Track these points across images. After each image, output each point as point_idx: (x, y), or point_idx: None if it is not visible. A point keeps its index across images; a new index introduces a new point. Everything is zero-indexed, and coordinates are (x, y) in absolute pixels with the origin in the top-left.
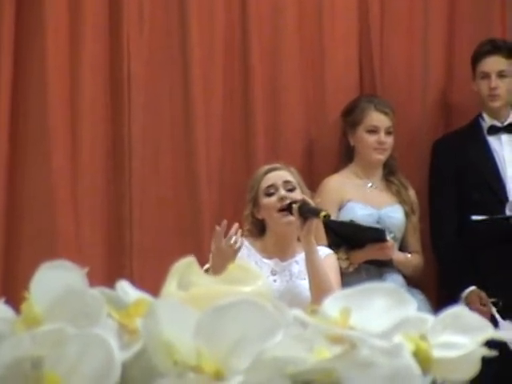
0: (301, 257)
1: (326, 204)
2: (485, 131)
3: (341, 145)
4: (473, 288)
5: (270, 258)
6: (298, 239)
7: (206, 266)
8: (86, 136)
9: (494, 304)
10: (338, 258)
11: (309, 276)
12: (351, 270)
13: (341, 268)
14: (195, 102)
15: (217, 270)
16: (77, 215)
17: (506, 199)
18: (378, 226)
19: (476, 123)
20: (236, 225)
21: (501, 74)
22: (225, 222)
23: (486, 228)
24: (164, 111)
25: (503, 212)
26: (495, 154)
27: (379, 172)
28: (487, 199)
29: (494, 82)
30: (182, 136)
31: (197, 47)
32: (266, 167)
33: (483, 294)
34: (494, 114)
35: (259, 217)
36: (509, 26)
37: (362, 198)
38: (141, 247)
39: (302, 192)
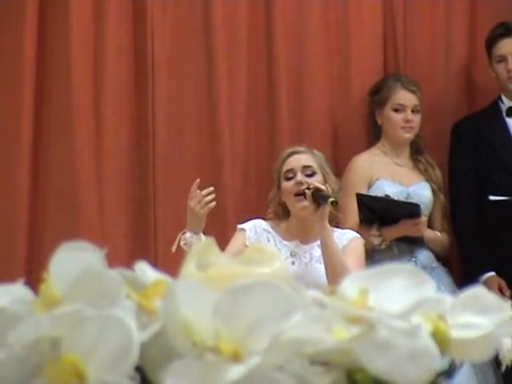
0: None
1: (355, 182)
2: (504, 113)
3: (365, 127)
4: (492, 274)
5: (290, 240)
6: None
7: None
8: (109, 116)
9: None
10: (371, 235)
11: (324, 260)
12: (384, 246)
13: (373, 245)
14: (219, 84)
15: (191, 226)
16: (100, 195)
17: None
18: (411, 201)
19: (495, 105)
20: (211, 189)
21: None
22: (198, 180)
23: (504, 208)
24: (188, 93)
25: None
26: None
27: (407, 150)
28: (506, 180)
29: (511, 63)
30: (205, 119)
31: (221, 29)
32: (289, 150)
33: (503, 283)
34: None
35: (282, 199)
36: None
37: (391, 176)
38: (164, 229)
39: (324, 176)
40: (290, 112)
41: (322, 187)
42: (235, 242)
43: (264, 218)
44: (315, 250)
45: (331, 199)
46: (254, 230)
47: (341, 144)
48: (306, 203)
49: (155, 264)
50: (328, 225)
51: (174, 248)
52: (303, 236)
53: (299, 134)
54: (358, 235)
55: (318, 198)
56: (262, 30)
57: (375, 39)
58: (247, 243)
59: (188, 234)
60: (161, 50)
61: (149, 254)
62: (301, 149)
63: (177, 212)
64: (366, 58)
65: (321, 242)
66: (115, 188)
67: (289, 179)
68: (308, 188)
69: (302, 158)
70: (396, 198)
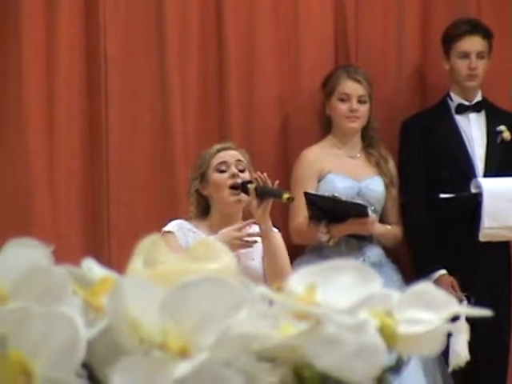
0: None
1: (305, 176)
2: (453, 110)
3: (316, 120)
4: (443, 272)
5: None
6: (243, 218)
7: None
8: (62, 116)
9: (467, 298)
10: (319, 232)
11: (265, 256)
12: (331, 243)
13: (321, 241)
14: (171, 80)
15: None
16: (53, 193)
17: (475, 177)
18: (360, 201)
19: (444, 102)
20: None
21: (480, 55)
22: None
23: (454, 206)
24: (140, 90)
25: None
26: (463, 133)
27: (357, 142)
28: (456, 177)
29: (475, 62)
30: (158, 115)
31: (172, 24)
32: (219, 145)
33: (455, 282)
34: (464, 93)
35: (205, 193)
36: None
37: (342, 170)
38: (118, 227)
39: (251, 174)
40: (240, 106)
41: (268, 181)
42: (170, 247)
43: (183, 219)
44: None
45: (286, 195)
46: (182, 231)
47: (292, 138)
48: (242, 196)
49: (109, 262)
50: (270, 220)
51: None
52: None
53: (250, 129)
54: (277, 230)
55: (265, 192)
56: (213, 26)
57: (326, 33)
58: (180, 244)
59: None
60: (113, 47)
61: (102, 251)
62: (231, 145)
63: (130, 209)
64: (317, 51)
65: (262, 238)
66: (68, 186)
67: (221, 171)
68: (249, 182)
69: (233, 153)
70: (344, 199)
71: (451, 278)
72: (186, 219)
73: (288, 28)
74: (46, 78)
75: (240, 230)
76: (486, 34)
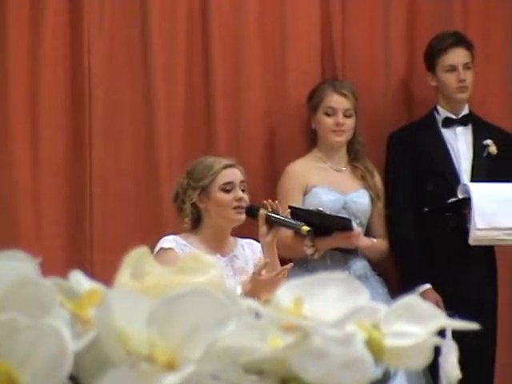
0: (239, 252)
1: (291, 190)
2: (439, 124)
3: (303, 134)
4: (428, 286)
5: (209, 253)
6: (231, 234)
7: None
8: (46, 129)
9: (451, 316)
10: (304, 245)
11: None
12: (317, 256)
13: (306, 254)
14: (156, 95)
15: (251, 294)
16: (37, 206)
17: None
18: (344, 215)
19: (431, 116)
20: (290, 264)
21: (466, 66)
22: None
23: (439, 219)
24: (125, 105)
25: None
26: (449, 147)
27: (343, 156)
28: (442, 191)
29: (463, 74)
30: (142, 130)
31: (158, 41)
32: (224, 162)
33: (439, 299)
34: (452, 107)
35: (202, 206)
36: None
37: (328, 183)
38: (101, 240)
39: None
40: (226, 121)
41: (280, 209)
42: (171, 264)
43: (173, 234)
44: (234, 261)
45: (306, 228)
46: (179, 246)
47: (278, 152)
48: (243, 217)
49: (92, 274)
50: (276, 247)
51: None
52: (220, 248)
53: (236, 142)
54: (260, 244)
55: (280, 222)
56: (199, 40)
57: (312, 47)
58: None
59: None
60: (97, 63)
61: (86, 264)
62: (234, 163)
63: (114, 222)
64: (303, 65)
65: (268, 265)
66: (52, 199)
67: (227, 191)
68: (258, 207)
69: (238, 173)
70: (328, 212)
71: (435, 295)
72: (177, 233)
73: (275, 41)
74: (31, 91)
75: (260, 272)
76: (469, 45)
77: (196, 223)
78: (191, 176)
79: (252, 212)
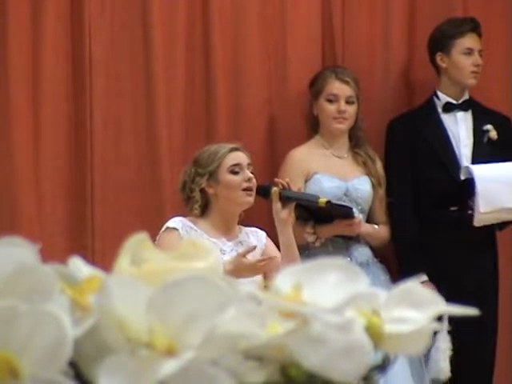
0: (244, 238)
1: (292, 176)
2: (439, 109)
3: (304, 121)
4: (425, 278)
5: (216, 237)
6: (238, 222)
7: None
8: (47, 116)
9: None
10: (306, 232)
11: (283, 259)
12: (318, 244)
13: (307, 242)
14: (157, 82)
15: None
16: (38, 194)
17: (459, 177)
18: (345, 203)
19: (430, 101)
20: (277, 258)
21: (480, 54)
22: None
23: (440, 206)
24: (125, 92)
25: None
26: (449, 132)
27: (344, 142)
28: (441, 177)
29: (479, 59)
30: (143, 117)
31: (158, 27)
32: (230, 145)
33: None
34: (453, 91)
35: (211, 191)
36: None
37: (329, 170)
38: (102, 227)
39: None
40: (227, 108)
41: (291, 186)
42: (172, 243)
43: (182, 216)
44: (239, 246)
45: (323, 199)
46: (184, 228)
47: (279, 139)
48: (252, 199)
49: (92, 262)
50: (291, 225)
51: None
52: (227, 232)
53: (237, 129)
54: (265, 233)
55: (295, 197)
56: (200, 27)
57: (313, 34)
58: None
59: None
60: (98, 49)
61: (86, 251)
62: (240, 146)
63: (115, 209)
64: (304, 52)
65: (282, 241)
66: (53, 186)
67: (235, 173)
68: (268, 186)
69: (244, 156)
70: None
71: (431, 286)
72: (187, 216)
73: (275, 29)
74: (32, 78)
75: (245, 255)
76: (480, 34)
77: (203, 210)
78: (198, 164)
79: (264, 191)
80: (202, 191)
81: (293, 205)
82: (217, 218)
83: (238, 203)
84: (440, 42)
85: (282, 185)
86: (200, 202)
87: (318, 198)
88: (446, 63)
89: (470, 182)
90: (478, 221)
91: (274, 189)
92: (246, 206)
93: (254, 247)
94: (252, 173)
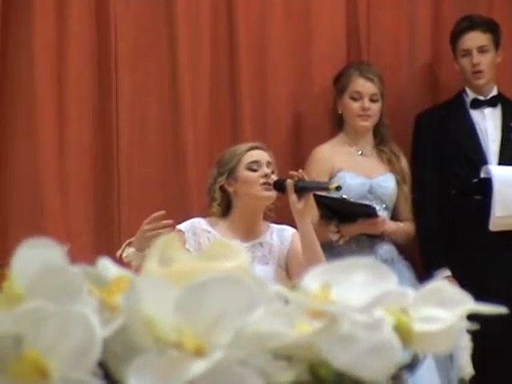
0: (266, 239)
1: (317, 173)
2: (468, 105)
3: (328, 117)
4: (448, 273)
5: (231, 238)
6: (264, 218)
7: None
8: (73, 114)
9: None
10: (329, 231)
11: (303, 251)
12: (342, 243)
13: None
14: (182, 78)
15: (138, 245)
16: (64, 192)
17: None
18: (368, 203)
19: (459, 97)
20: (170, 221)
21: (482, 50)
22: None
23: (464, 202)
24: (151, 88)
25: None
26: (477, 128)
27: (369, 140)
28: (468, 173)
29: (476, 57)
30: (169, 114)
31: (183, 23)
32: (250, 144)
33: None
34: (476, 90)
35: (230, 189)
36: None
37: (353, 167)
38: (129, 225)
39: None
40: (252, 105)
41: (305, 177)
42: None
43: (202, 217)
44: (257, 248)
45: (334, 185)
46: (193, 231)
47: (304, 135)
48: (273, 193)
49: (120, 260)
50: (308, 216)
51: (118, 253)
52: (246, 233)
53: (262, 126)
54: (294, 230)
55: (308, 187)
56: (225, 23)
57: (337, 30)
58: (187, 246)
59: (131, 250)
60: (124, 45)
61: (113, 250)
62: (262, 145)
63: (141, 208)
64: (329, 49)
65: (301, 232)
66: (79, 184)
67: (253, 170)
68: (284, 180)
69: (264, 154)
70: (352, 200)
71: (455, 282)
72: (205, 217)
73: (300, 25)
74: (58, 75)
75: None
76: (488, 27)
77: (227, 210)
78: (219, 164)
79: (280, 185)
80: (223, 191)
81: (309, 195)
82: (238, 218)
83: (257, 198)
84: (451, 46)
85: (298, 177)
86: (219, 201)
87: (329, 183)
88: (456, 65)
89: (487, 182)
90: (494, 225)
91: (289, 181)
92: (266, 201)
93: (162, 214)
94: (273, 172)
